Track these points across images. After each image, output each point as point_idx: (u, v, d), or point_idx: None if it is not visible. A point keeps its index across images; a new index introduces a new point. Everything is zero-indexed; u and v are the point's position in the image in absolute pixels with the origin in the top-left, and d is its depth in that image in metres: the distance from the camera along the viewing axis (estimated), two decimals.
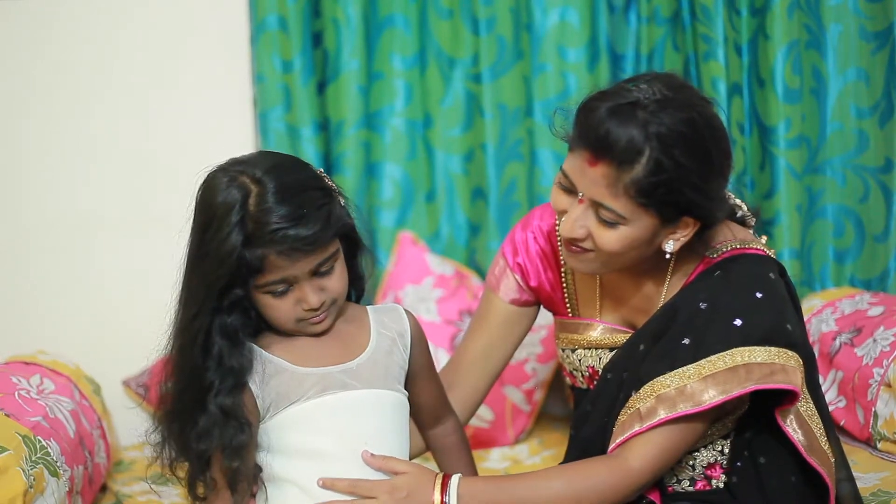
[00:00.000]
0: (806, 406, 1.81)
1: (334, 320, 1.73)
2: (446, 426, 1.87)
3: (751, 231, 1.89)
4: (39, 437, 1.99)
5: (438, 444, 1.88)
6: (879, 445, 2.19)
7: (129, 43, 2.70)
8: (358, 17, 2.74)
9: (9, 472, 1.84)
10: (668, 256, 1.77)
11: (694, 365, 1.72)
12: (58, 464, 1.99)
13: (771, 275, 1.78)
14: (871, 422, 2.20)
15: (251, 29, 2.73)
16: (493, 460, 2.50)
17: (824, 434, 1.82)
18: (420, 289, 2.70)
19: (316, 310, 1.68)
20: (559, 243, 1.94)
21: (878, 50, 2.51)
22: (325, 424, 1.68)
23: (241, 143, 2.72)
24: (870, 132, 2.54)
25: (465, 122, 2.80)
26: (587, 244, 1.77)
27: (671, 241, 1.76)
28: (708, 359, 1.72)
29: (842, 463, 1.88)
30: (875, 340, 2.26)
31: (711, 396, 1.70)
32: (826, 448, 1.81)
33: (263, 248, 1.61)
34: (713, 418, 1.79)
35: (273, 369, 1.69)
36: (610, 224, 1.72)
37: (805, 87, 2.55)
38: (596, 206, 1.72)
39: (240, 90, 2.77)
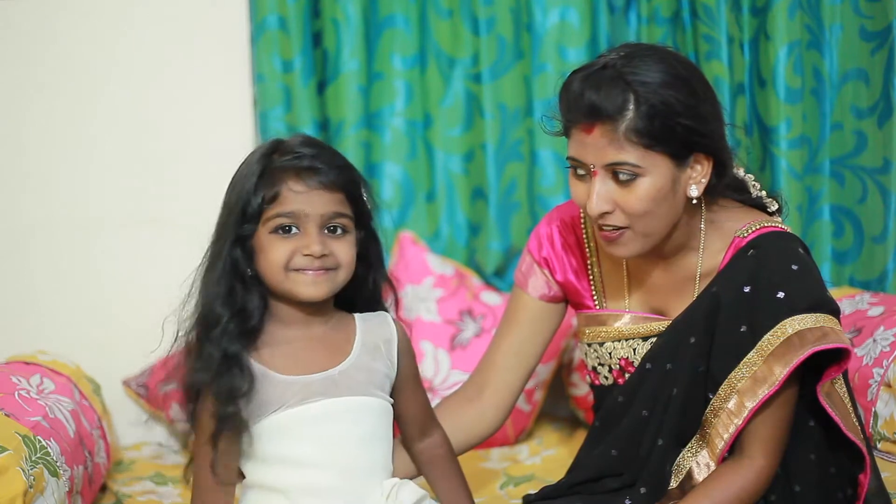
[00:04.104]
0: (841, 389, 1.86)
1: (329, 292, 1.69)
2: (434, 439, 1.85)
3: (778, 217, 1.93)
4: (39, 437, 1.99)
5: (426, 458, 1.84)
6: (879, 445, 2.19)
7: (129, 43, 2.70)
8: (358, 17, 2.74)
9: (9, 472, 1.84)
10: (693, 202, 1.82)
11: (755, 349, 1.78)
12: (58, 464, 1.99)
13: (800, 249, 1.84)
14: (871, 422, 2.20)
15: (251, 29, 2.73)
16: (493, 460, 2.50)
17: (856, 417, 1.88)
18: (420, 289, 2.70)
19: (314, 260, 1.66)
20: (584, 236, 1.98)
21: (878, 50, 2.50)
22: (306, 432, 1.67)
23: (241, 143, 2.71)
24: (868, 132, 2.54)
25: (465, 122, 2.80)
26: (617, 219, 1.79)
27: (693, 186, 1.80)
28: (764, 339, 1.77)
29: (869, 450, 1.90)
30: (875, 340, 2.26)
31: (779, 373, 1.76)
32: (859, 428, 1.86)
33: (283, 169, 1.66)
34: (798, 379, 1.82)
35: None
36: (629, 181, 1.76)
37: (806, 87, 2.55)
38: (610, 169, 1.77)
39: (240, 90, 2.76)
